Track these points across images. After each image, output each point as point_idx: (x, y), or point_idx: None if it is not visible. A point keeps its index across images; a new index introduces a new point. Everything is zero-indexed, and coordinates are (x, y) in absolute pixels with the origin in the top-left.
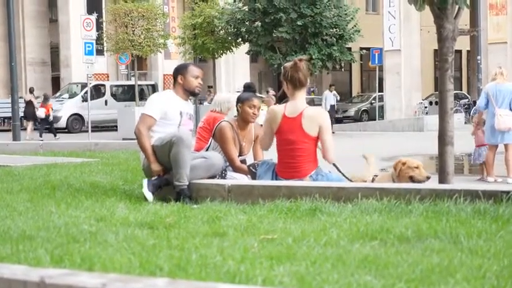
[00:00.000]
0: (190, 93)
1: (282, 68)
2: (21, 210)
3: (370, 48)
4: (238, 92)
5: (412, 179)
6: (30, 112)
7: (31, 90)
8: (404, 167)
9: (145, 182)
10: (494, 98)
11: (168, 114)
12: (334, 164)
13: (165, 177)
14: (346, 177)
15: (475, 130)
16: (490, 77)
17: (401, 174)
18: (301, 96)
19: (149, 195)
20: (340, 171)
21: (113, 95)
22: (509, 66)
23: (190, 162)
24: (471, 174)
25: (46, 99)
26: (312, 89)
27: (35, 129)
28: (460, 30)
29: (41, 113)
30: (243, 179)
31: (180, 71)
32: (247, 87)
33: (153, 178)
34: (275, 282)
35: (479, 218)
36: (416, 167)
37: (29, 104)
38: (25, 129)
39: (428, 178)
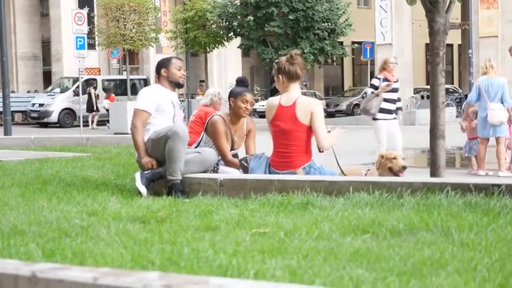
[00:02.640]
0: (175, 84)
1: (275, 63)
2: (12, 205)
3: (361, 42)
4: (230, 86)
5: (391, 170)
6: (90, 105)
7: (91, 84)
8: (383, 160)
9: (137, 175)
10: (486, 92)
11: (161, 106)
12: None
13: (158, 170)
14: (339, 167)
15: (464, 119)
16: (480, 70)
17: (381, 167)
18: (295, 88)
19: (143, 189)
20: (336, 159)
21: (105, 90)
22: (500, 60)
23: (184, 157)
24: (463, 167)
25: (109, 90)
26: (304, 83)
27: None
28: (451, 24)
29: (105, 104)
30: (235, 173)
31: (163, 64)
32: (240, 82)
33: (145, 172)
34: (267, 275)
35: (470, 211)
36: (394, 158)
37: (89, 96)
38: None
39: (404, 168)
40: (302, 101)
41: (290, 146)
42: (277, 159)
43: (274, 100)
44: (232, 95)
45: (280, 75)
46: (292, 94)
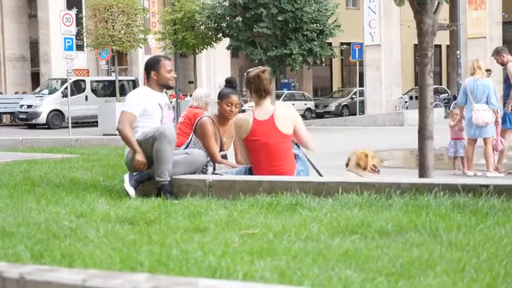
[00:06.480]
0: (165, 87)
1: (245, 73)
2: (0, 206)
3: (350, 43)
4: (219, 87)
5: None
6: None
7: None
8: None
9: (126, 176)
10: (471, 93)
11: (148, 110)
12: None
13: (147, 172)
14: (317, 170)
15: (455, 123)
16: (468, 70)
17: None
18: (268, 102)
19: (131, 191)
20: (312, 164)
21: (93, 91)
22: (489, 61)
23: (172, 157)
24: (451, 168)
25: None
26: (292, 84)
27: None
28: (439, 25)
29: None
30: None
31: (153, 66)
32: (228, 82)
33: (134, 173)
34: (256, 276)
35: (458, 211)
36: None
37: None
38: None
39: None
40: (280, 113)
41: (278, 159)
42: (266, 175)
43: (246, 116)
44: (219, 97)
45: (250, 91)
46: (266, 108)
